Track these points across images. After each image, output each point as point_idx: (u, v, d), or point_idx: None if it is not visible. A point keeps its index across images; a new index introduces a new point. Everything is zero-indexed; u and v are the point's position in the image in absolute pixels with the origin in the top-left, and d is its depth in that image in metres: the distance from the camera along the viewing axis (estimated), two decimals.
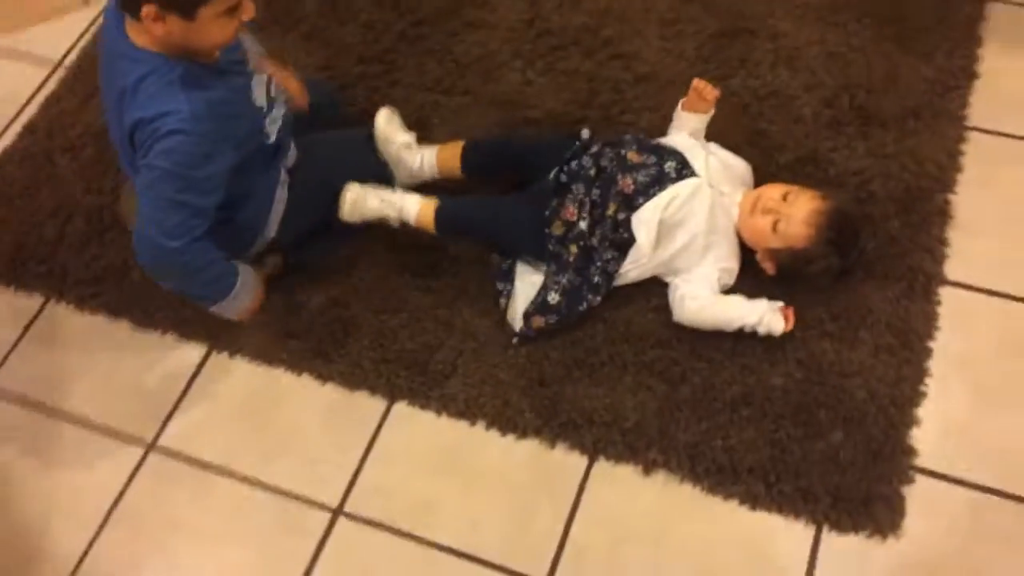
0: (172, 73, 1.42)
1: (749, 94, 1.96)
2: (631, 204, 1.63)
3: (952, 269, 1.72)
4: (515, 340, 1.68)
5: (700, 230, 1.62)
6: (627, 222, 1.62)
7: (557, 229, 1.66)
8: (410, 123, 1.90)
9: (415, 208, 1.71)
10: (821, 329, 1.66)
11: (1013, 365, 1.62)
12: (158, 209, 1.46)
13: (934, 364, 1.63)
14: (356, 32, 2.16)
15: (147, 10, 1.35)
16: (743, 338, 1.65)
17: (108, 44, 1.51)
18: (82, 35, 2.29)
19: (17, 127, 2.11)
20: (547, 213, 1.67)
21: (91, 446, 1.68)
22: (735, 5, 2.10)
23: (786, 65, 1.99)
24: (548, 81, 2.03)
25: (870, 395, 1.59)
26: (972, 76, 1.96)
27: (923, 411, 1.58)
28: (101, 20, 2.24)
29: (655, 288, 1.71)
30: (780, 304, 1.61)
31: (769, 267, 1.67)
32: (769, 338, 1.63)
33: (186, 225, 1.47)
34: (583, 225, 1.64)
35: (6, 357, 1.80)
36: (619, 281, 1.68)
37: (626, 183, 1.64)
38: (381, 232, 1.77)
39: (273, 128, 1.62)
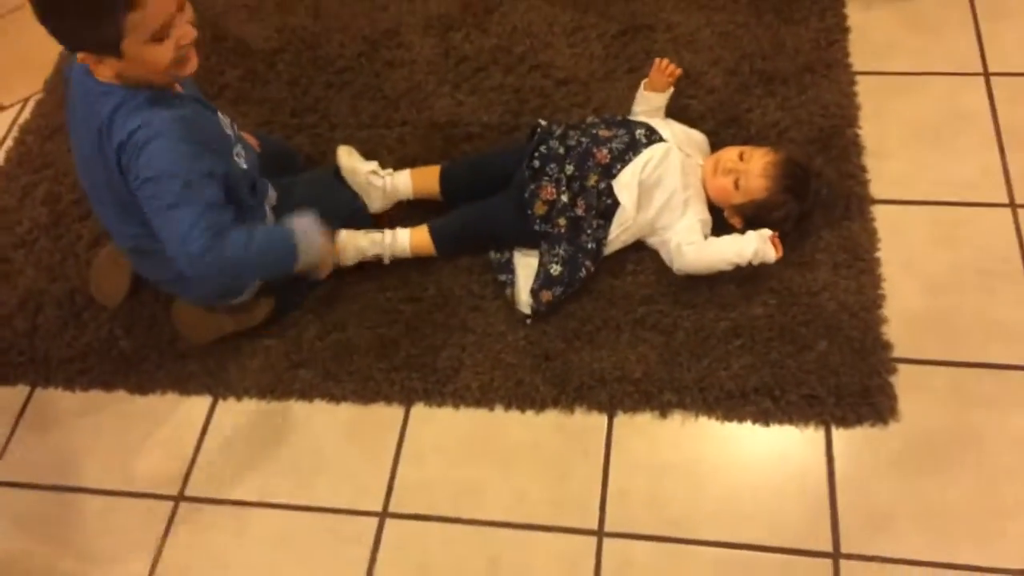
0: (139, 97, 1.46)
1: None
2: (610, 172, 1.77)
3: (876, 190, 1.92)
4: (528, 321, 1.77)
5: (676, 187, 1.77)
6: (608, 189, 1.76)
7: (540, 209, 1.77)
8: None
9: (407, 238, 1.81)
10: (783, 261, 1.81)
11: (947, 255, 1.82)
12: (168, 220, 1.46)
13: (884, 270, 1.81)
14: (282, 89, 2.25)
15: (82, 57, 1.41)
16: (717, 281, 1.79)
17: (79, 92, 1.53)
18: (3, 139, 2.28)
19: None
20: (526, 197, 1.78)
21: (117, 512, 1.67)
22: (627, 8, 2.30)
23: (687, 48, 2.19)
24: (478, 99, 2.16)
25: (840, 306, 1.75)
26: (846, 31, 2.21)
27: (887, 311, 1.75)
28: (26, 116, 2.28)
29: (630, 255, 1.85)
30: (769, 233, 1.75)
31: (736, 222, 1.83)
32: (740, 276, 1.78)
33: (201, 223, 1.44)
34: (564, 198, 1.76)
35: (3, 451, 1.76)
36: (609, 248, 1.80)
37: (602, 154, 1.77)
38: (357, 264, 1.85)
39: (241, 159, 1.65)
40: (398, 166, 2.01)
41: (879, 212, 1.89)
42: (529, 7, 2.33)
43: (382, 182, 1.88)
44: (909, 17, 2.23)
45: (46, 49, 2.37)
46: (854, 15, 2.24)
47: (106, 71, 1.46)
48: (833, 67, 2.13)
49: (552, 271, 1.74)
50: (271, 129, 2.16)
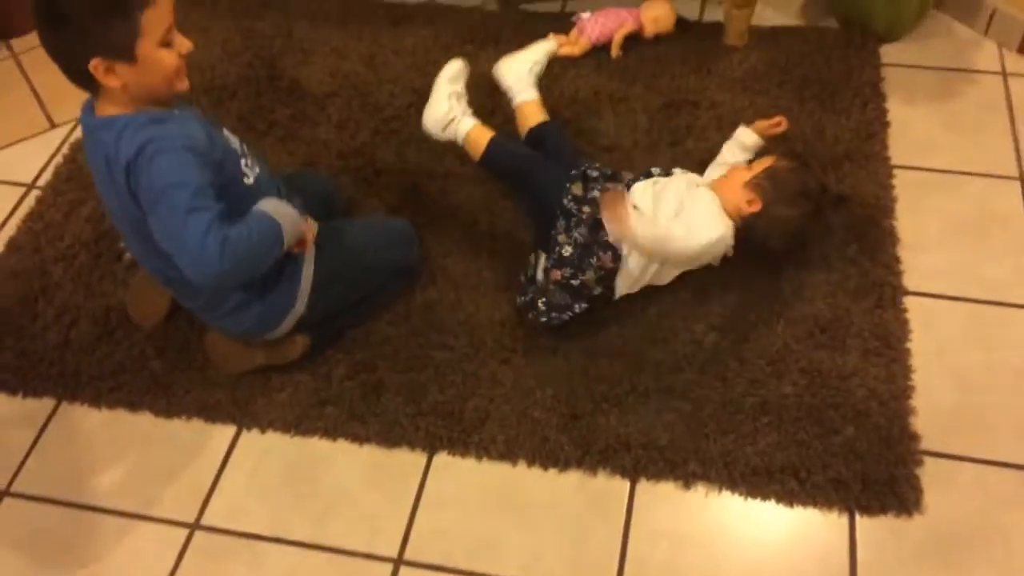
0: (142, 117, 1.49)
1: (702, 153, 2.18)
2: (629, 187, 1.87)
3: (909, 281, 1.94)
4: (542, 319, 1.82)
5: (681, 188, 1.85)
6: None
7: (576, 189, 1.83)
8: (396, 204, 2.07)
9: (467, 128, 1.91)
10: (814, 341, 1.83)
11: (980, 353, 1.83)
12: (182, 229, 1.45)
13: (915, 361, 1.82)
14: (330, 131, 2.30)
15: (94, 65, 1.42)
16: (747, 356, 1.80)
17: (87, 132, 1.57)
18: (53, 156, 2.33)
19: None
20: (572, 173, 1.85)
21: (131, 534, 1.65)
22: (673, 83, 2.36)
23: (730, 127, 2.20)
24: None
25: (869, 392, 1.76)
26: (885, 124, 2.26)
27: (916, 402, 1.75)
28: (78, 134, 2.33)
29: (663, 322, 1.86)
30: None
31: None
32: (771, 353, 1.80)
33: (213, 229, 1.45)
34: (596, 193, 1.82)
35: (23, 461, 1.76)
36: (632, 264, 1.81)
37: (627, 178, 1.89)
38: (392, 307, 1.89)
39: (251, 172, 1.65)
40: (440, 216, 2.05)
41: (912, 303, 1.91)
42: (578, 75, 2.38)
43: (452, 109, 1.95)
44: (948, 117, 2.28)
45: None
46: (894, 110, 2.29)
47: (109, 106, 1.49)
48: (872, 159, 2.17)
49: (564, 252, 1.78)
50: (316, 168, 2.20)
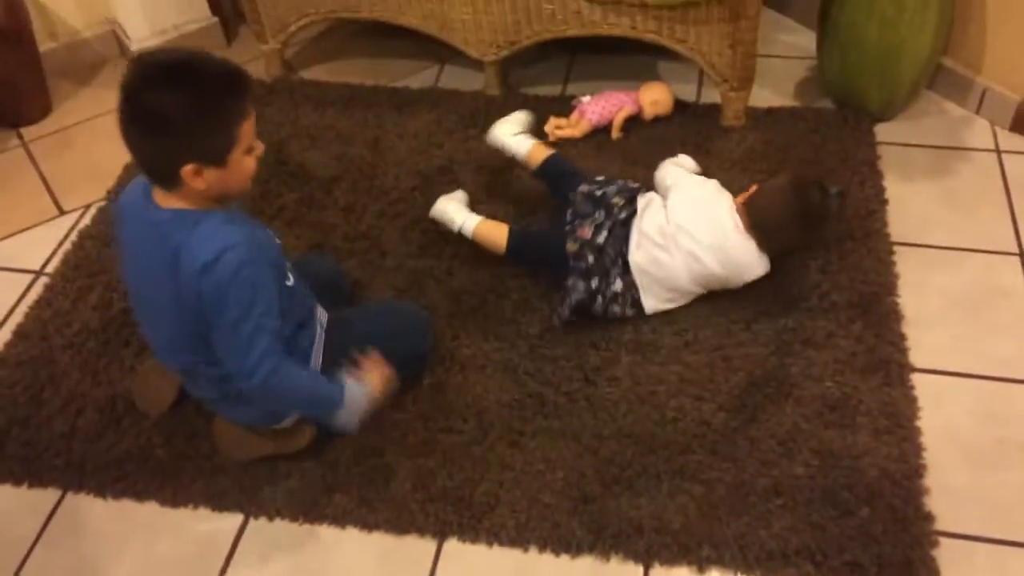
0: (216, 217, 1.52)
1: None
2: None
3: (916, 358, 1.95)
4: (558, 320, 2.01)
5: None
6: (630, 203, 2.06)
7: (572, 247, 1.99)
8: (403, 286, 2.10)
9: (474, 224, 2.10)
10: (824, 420, 1.82)
11: (991, 430, 1.82)
12: (244, 345, 1.51)
13: (925, 439, 1.81)
14: (337, 214, 2.33)
15: (186, 170, 1.45)
16: (758, 437, 1.80)
17: (138, 222, 1.58)
18: (61, 242, 2.35)
19: (6, 334, 2.12)
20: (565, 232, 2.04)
21: None
22: None
23: None
24: None
25: (882, 472, 1.75)
26: (884, 202, 2.29)
27: (929, 481, 1.74)
28: (86, 222, 2.35)
29: (671, 402, 1.86)
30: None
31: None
32: (781, 433, 1.79)
33: (270, 352, 1.53)
34: (600, 239, 1.99)
35: (29, 553, 1.73)
36: (638, 240, 1.99)
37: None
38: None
39: (291, 273, 1.69)
40: (445, 298, 2.07)
41: (919, 381, 1.91)
42: (579, 156, 2.43)
43: (461, 218, 2.13)
44: (945, 194, 2.32)
45: (111, 159, 2.51)
46: (892, 187, 2.33)
47: (173, 200, 1.51)
48: (872, 236, 2.19)
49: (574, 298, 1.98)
50: (323, 251, 2.22)
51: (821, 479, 1.74)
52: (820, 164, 2.37)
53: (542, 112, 2.57)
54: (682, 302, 2.03)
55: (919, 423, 1.84)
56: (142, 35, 2.85)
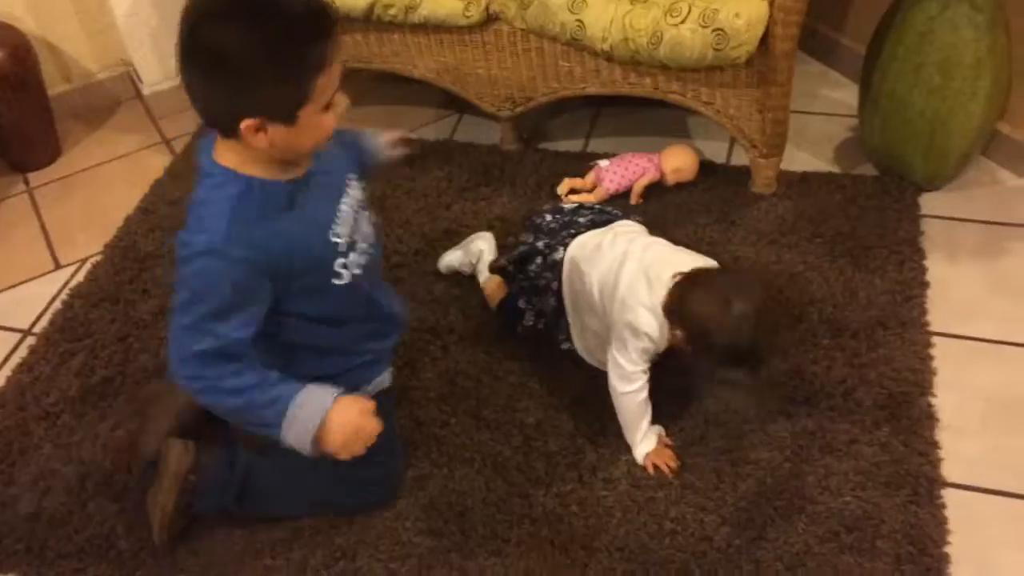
0: (233, 189, 1.32)
1: None
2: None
3: (949, 471, 1.75)
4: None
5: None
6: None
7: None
8: (396, 362, 1.92)
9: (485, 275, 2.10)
10: (839, 543, 1.64)
11: None
12: (178, 335, 1.33)
13: (954, 569, 1.62)
14: None
15: (246, 124, 1.25)
16: (763, 559, 1.63)
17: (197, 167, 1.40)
18: (51, 301, 2.27)
19: None
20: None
21: None
22: (695, 234, 2.24)
23: None
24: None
25: None
26: (924, 285, 2.09)
27: None
28: (80, 278, 2.27)
29: (671, 510, 1.70)
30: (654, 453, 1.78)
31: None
32: (789, 556, 1.62)
33: (200, 360, 1.32)
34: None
35: None
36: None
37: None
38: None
39: (346, 272, 1.47)
40: (439, 378, 1.94)
41: (951, 498, 1.71)
42: None
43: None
44: (995, 277, 2.11)
45: (114, 209, 2.44)
46: (935, 269, 2.13)
47: (262, 143, 1.29)
48: (908, 325, 2.00)
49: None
50: None
51: None
52: (856, 240, 2.19)
53: (560, 169, 2.45)
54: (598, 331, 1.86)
55: (948, 549, 1.64)
56: (155, 79, 2.79)
